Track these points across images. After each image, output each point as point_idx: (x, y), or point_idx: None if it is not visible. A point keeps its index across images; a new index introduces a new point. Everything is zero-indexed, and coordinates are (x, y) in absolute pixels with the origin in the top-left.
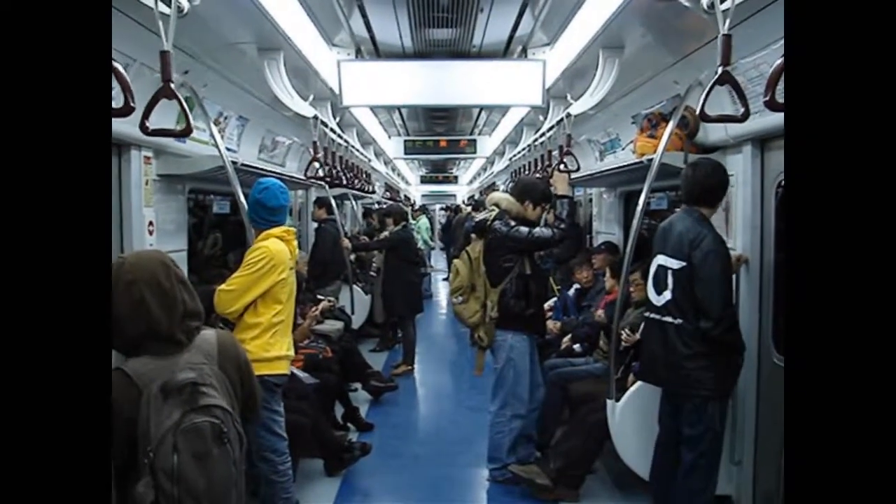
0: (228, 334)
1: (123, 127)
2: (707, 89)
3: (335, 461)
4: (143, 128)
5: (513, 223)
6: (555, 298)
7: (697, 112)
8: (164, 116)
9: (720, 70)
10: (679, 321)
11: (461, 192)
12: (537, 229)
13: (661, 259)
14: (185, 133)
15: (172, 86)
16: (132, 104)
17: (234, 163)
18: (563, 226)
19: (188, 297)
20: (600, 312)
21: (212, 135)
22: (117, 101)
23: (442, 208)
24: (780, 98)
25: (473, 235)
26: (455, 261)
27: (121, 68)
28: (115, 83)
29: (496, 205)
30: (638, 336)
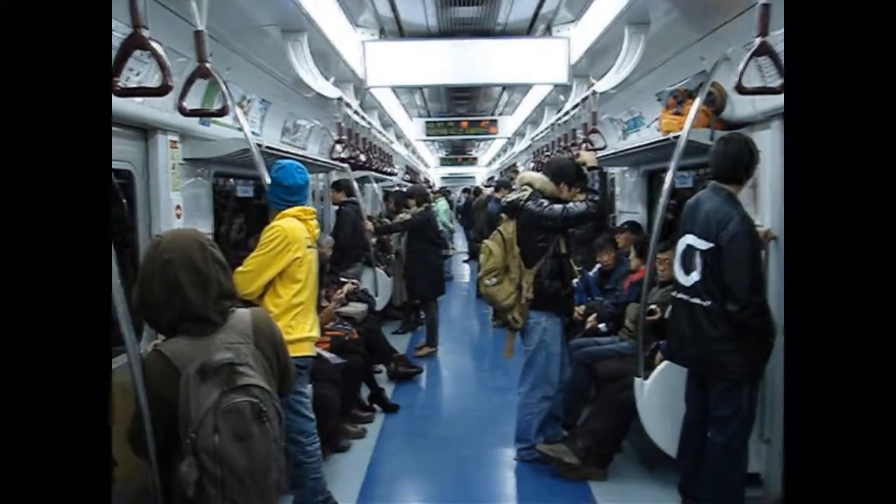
0: (263, 312)
1: (149, 111)
2: (745, 61)
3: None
4: (180, 108)
5: (545, 202)
6: (576, 280)
7: (734, 84)
8: (189, 99)
9: (758, 41)
10: (708, 303)
11: (480, 173)
12: (571, 204)
13: (689, 239)
14: (221, 113)
15: (208, 65)
16: (170, 83)
17: (258, 145)
18: (596, 198)
19: (224, 277)
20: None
21: (236, 118)
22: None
23: (463, 190)
24: None
25: (504, 216)
26: (487, 241)
27: (160, 49)
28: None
29: (529, 184)
30: (658, 315)
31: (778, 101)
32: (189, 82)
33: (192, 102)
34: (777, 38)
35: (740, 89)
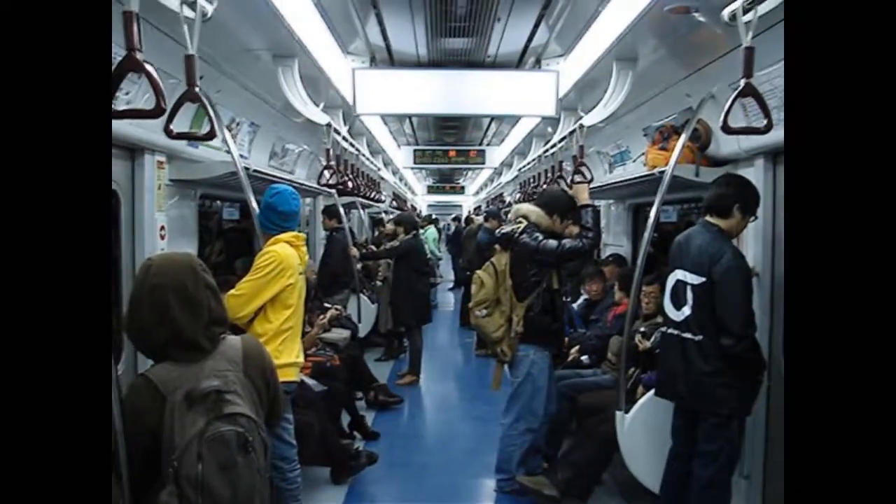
0: (254, 340)
1: (137, 131)
2: (730, 101)
3: (342, 469)
4: (167, 131)
5: (540, 236)
6: None
7: (720, 124)
8: (178, 121)
9: (743, 82)
10: (699, 337)
11: (467, 202)
12: (567, 241)
13: (679, 274)
14: (208, 137)
15: (197, 89)
16: (164, 106)
17: (246, 168)
18: (590, 235)
19: (215, 302)
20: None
21: (224, 140)
22: (146, 104)
23: (453, 218)
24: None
25: (497, 247)
26: (479, 272)
27: (153, 71)
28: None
29: (524, 217)
30: (649, 344)
31: (762, 139)
32: (177, 106)
33: (181, 125)
34: (756, 79)
35: (726, 128)
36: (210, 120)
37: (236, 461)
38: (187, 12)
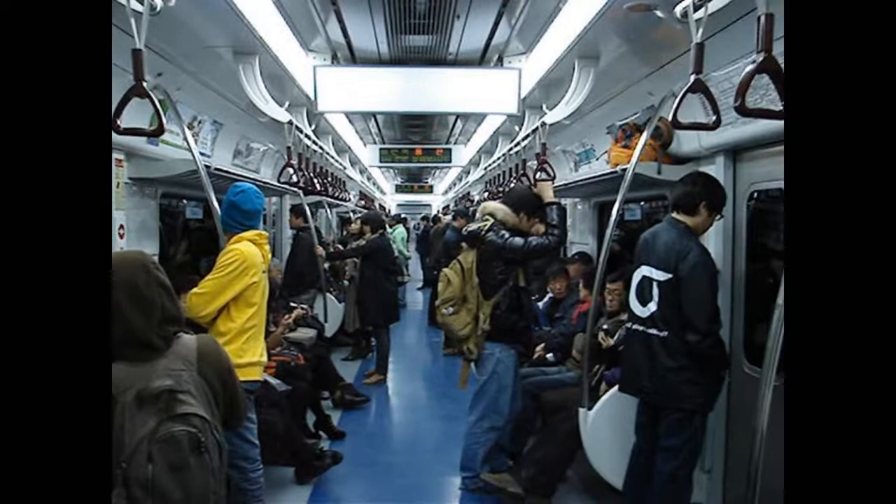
0: (211, 339)
1: None
2: (679, 97)
3: (306, 469)
4: (114, 127)
5: (507, 234)
6: None
7: (670, 119)
8: (136, 118)
9: (693, 78)
10: (664, 333)
11: (436, 201)
12: (533, 238)
13: (645, 270)
14: (157, 133)
15: (145, 85)
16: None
17: (207, 167)
18: (556, 232)
19: (168, 301)
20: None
21: (185, 138)
22: None
23: (422, 218)
24: (749, 104)
25: (464, 245)
26: (445, 270)
27: None
28: None
29: (491, 215)
30: (613, 342)
31: (722, 136)
32: (123, 101)
33: (137, 121)
34: (716, 78)
35: (675, 124)
36: (159, 115)
37: (188, 462)
38: (135, 5)
